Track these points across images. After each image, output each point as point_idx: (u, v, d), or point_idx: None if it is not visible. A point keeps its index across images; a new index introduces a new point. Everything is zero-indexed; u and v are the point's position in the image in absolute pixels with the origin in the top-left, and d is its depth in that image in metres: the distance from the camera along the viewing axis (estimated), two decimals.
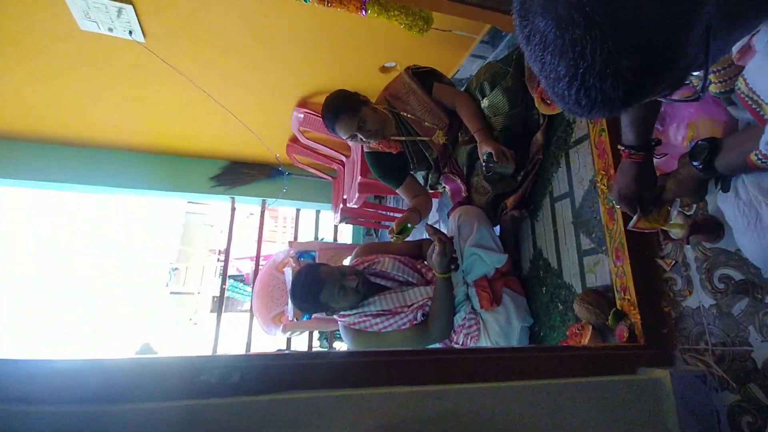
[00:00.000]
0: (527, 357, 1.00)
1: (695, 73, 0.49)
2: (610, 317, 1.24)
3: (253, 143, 3.11)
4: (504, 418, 0.85)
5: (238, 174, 3.52)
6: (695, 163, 0.83)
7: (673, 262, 1.19)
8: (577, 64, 0.42)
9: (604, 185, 1.37)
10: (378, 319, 1.61)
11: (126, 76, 2.48)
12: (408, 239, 1.85)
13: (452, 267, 1.58)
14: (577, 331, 1.35)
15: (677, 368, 1.05)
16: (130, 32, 2.10)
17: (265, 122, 2.98)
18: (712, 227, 1.08)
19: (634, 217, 1.00)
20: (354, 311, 1.64)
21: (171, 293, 10.15)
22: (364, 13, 1.84)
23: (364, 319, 1.63)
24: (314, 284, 1.55)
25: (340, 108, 1.70)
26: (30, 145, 3.04)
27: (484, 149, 1.65)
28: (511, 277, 1.79)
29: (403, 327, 1.61)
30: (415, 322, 1.61)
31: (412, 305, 1.63)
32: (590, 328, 1.32)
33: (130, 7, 1.96)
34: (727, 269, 1.06)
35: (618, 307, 1.26)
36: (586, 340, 1.30)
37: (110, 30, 2.08)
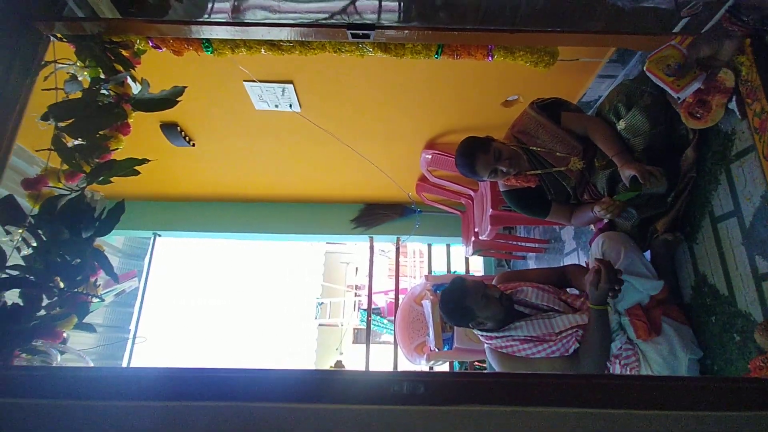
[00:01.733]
0: (704, 387, 0.94)
1: None
2: None
3: (387, 186, 3.42)
4: None
5: (374, 215, 3.87)
6: None
7: None
8: None
9: None
10: (526, 345, 1.62)
11: (285, 141, 3.01)
12: (551, 266, 1.83)
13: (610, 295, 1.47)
14: (762, 365, 1.21)
15: None
16: (290, 105, 2.59)
17: (396, 166, 3.29)
18: None
19: None
20: (501, 334, 1.67)
21: (319, 325, 11.29)
22: (490, 59, 1.96)
23: (512, 343, 1.65)
24: (460, 290, 1.66)
25: (474, 149, 1.78)
26: (216, 205, 3.83)
27: (626, 173, 1.58)
28: (671, 305, 1.67)
29: (553, 356, 1.59)
30: (566, 353, 1.58)
31: (560, 333, 1.60)
32: None
33: (291, 86, 2.44)
34: None
35: None
36: None
37: (276, 106, 2.60)
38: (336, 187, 3.69)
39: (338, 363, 4.18)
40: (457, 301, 1.66)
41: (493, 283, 1.90)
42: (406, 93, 2.56)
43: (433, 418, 0.83)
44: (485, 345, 1.76)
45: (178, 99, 1.54)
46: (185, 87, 1.55)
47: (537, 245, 3.41)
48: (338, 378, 0.91)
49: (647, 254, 1.79)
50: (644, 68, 1.40)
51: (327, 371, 0.94)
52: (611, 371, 1.61)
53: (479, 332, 1.74)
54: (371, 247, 4.07)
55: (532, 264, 3.64)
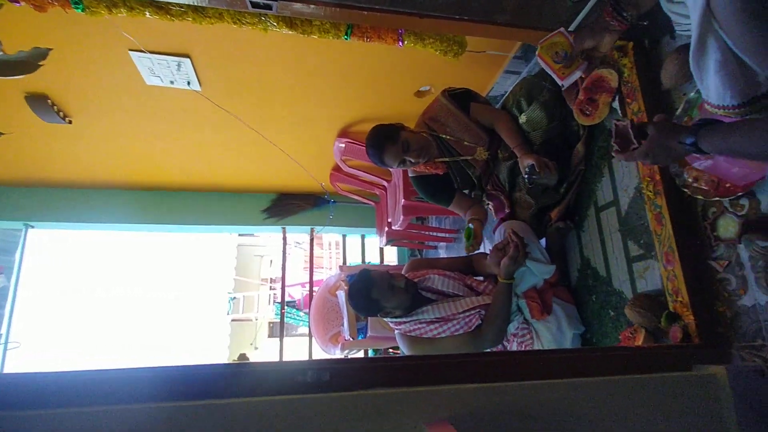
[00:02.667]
0: (583, 356, 1.05)
1: None
2: (662, 319, 1.26)
3: (300, 175, 3.29)
4: (562, 411, 0.92)
5: (286, 205, 3.74)
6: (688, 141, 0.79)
7: (726, 262, 1.20)
8: None
9: (650, 191, 1.39)
10: (432, 326, 1.68)
11: (185, 123, 2.73)
12: (460, 255, 1.91)
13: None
14: (630, 335, 1.37)
15: (734, 364, 1.06)
16: (188, 83, 2.33)
17: (309, 154, 3.16)
18: (765, 225, 1.09)
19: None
20: (409, 319, 1.71)
21: (232, 320, 10.78)
22: (401, 44, 1.95)
23: (419, 326, 1.70)
24: (366, 283, 1.67)
25: (382, 139, 1.79)
26: (103, 192, 3.39)
27: (525, 162, 1.69)
28: (560, 287, 1.81)
29: (457, 333, 1.66)
30: (469, 330, 1.66)
31: (464, 312, 1.69)
32: (643, 331, 1.33)
33: (188, 60, 2.19)
34: None
35: (670, 309, 1.27)
36: (639, 343, 1.32)
37: (172, 82, 2.33)
38: (245, 175, 3.48)
39: (242, 356, 3.98)
40: (364, 295, 1.67)
41: (404, 271, 1.94)
42: (318, 78, 2.46)
43: (339, 404, 0.83)
44: (395, 331, 1.79)
45: (40, 63, 1.31)
46: (49, 49, 1.31)
47: (447, 235, 3.55)
48: (241, 371, 0.87)
49: (543, 241, 1.93)
50: (536, 53, 1.49)
51: (228, 365, 0.89)
52: (510, 348, 1.72)
53: (389, 320, 1.76)
54: (284, 238, 3.94)
55: (442, 253, 3.77)
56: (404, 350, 1.79)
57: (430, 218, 3.93)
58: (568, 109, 1.74)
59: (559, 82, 1.42)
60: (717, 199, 1.20)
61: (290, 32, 1.80)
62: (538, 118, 1.77)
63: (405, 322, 1.72)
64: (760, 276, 1.11)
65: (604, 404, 0.93)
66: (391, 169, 3.10)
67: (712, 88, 0.65)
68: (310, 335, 3.56)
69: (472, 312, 1.67)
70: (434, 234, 3.77)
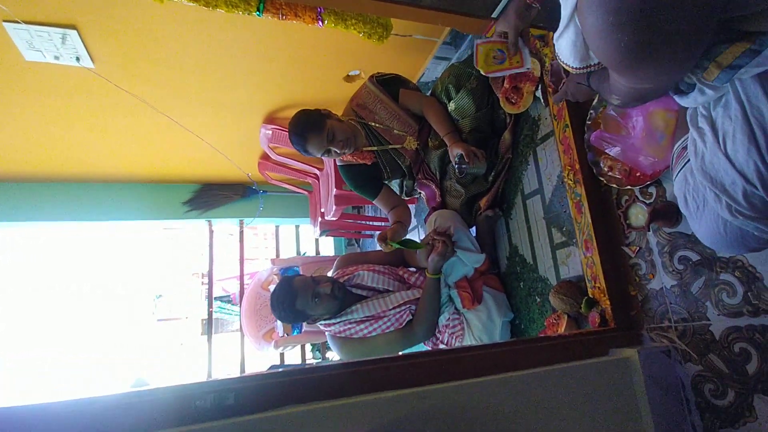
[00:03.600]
0: (507, 351, 1.04)
1: None
2: (582, 305, 1.31)
3: (224, 164, 3.07)
4: (488, 410, 0.90)
5: (211, 197, 3.49)
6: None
7: (638, 248, 1.26)
8: None
9: (571, 180, 1.43)
10: (363, 325, 1.64)
11: (80, 105, 2.40)
12: None
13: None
14: (554, 321, 1.41)
15: (645, 346, 1.12)
16: (78, 58, 2.03)
17: (233, 142, 2.94)
18: (670, 213, 1.15)
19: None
20: (338, 320, 1.66)
21: (158, 320, 10.06)
22: (321, 24, 1.84)
23: (349, 326, 1.65)
24: (288, 293, 1.58)
25: (306, 127, 1.69)
26: None
27: (454, 151, 1.68)
28: (490, 275, 1.84)
29: (388, 330, 1.64)
30: (400, 326, 1.64)
31: (394, 308, 1.67)
32: (565, 317, 1.38)
33: (75, 32, 1.90)
34: (686, 251, 1.14)
35: (590, 295, 1.32)
36: (562, 329, 1.36)
37: (56, 58, 2.01)
38: (160, 165, 3.15)
39: (139, 381, 3.59)
40: (287, 306, 1.59)
41: (333, 269, 1.89)
42: (238, 59, 2.25)
43: (243, 431, 0.73)
44: (326, 332, 1.73)
45: None
46: None
47: (383, 224, 3.51)
48: (123, 403, 0.73)
49: (473, 230, 1.94)
50: (484, 72, 1.45)
51: (105, 397, 0.74)
52: (441, 339, 1.72)
53: (318, 323, 1.70)
54: (210, 231, 3.70)
55: None
56: (336, 352, 1.74)
57: (366, 207, 3.89)
58: (496, 96, 1.75)
59: (520, 71, 1.41)
60: (629, 187, 1.25)
61: (191, 4, 1.62)
62: (467, 105, 1.76)
63: (335, 323, 1.67)
64: (666, 261, 1.18)
65: (531, 397, 0.94)
66: (325, 159, 2.99)
67: (562, 53, 0.85)
68: (242, 333, 3.40)
69: (403, 308, 1.66)
70: (369, 223, 3.73)
